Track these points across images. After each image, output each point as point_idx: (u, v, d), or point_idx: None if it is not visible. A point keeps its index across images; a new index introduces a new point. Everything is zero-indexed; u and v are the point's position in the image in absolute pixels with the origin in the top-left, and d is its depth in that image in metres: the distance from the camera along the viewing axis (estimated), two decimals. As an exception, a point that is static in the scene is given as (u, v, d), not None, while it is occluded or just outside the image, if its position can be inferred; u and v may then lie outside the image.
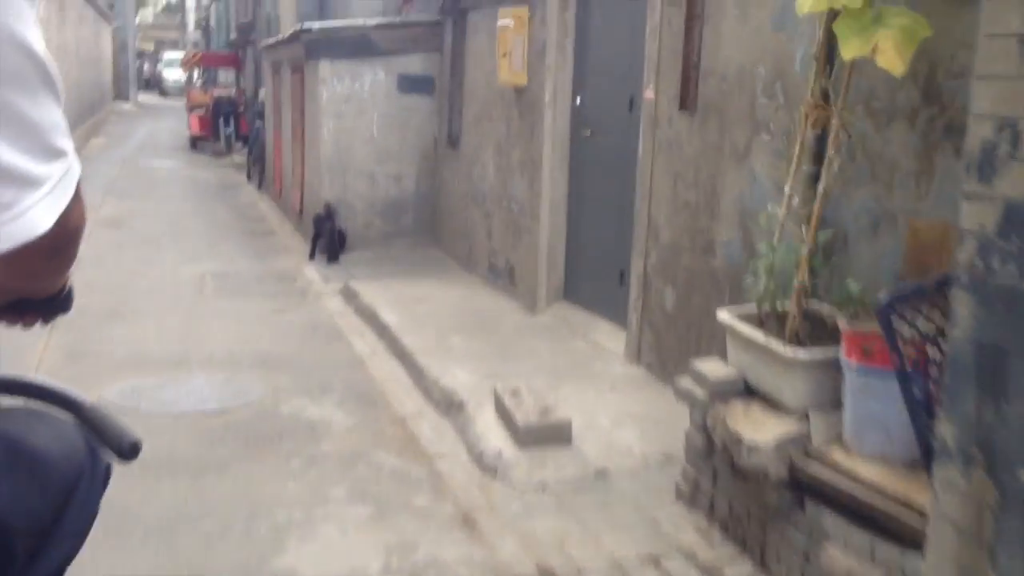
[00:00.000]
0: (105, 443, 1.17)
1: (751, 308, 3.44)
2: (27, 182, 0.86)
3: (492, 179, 7.41)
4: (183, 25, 45.84)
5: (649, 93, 4.92)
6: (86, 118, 19.93)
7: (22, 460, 1.05)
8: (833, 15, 3.05)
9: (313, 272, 8.43)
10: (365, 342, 6.24)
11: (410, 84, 9.09)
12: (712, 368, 3.46)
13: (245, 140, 18.27)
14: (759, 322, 3.33)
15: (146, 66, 45.14)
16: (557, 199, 6.25)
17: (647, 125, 4.97)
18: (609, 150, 5.66)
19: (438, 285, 7.49)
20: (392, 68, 9.03)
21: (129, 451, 1.16)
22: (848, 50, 2.78)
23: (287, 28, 14.67)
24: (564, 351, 5.53)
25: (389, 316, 6.36)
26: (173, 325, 6.58)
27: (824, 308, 3.26)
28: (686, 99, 4.55)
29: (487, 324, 6.25)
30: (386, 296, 6.99)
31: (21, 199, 0.85)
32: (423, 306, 6.70)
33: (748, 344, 3.27)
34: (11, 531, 1.00)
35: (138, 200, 12.65)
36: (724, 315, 3.45)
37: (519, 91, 6.69)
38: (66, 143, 0.91)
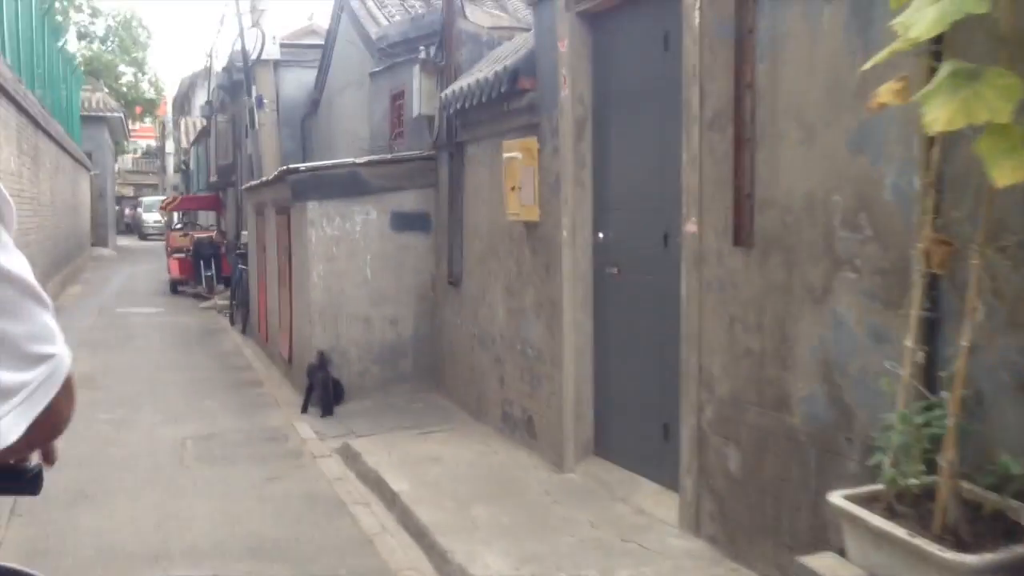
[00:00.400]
0: None
1: (872, 488, 2.78)
2: None
3: (502, 321, 6.81)
4: (162, 169, 46.11)
5: (691, 227, 4.38)
6: (62, 267, 19.38)
7: None
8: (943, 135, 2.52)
9: (307, 428, 7.69)
10: (373, 516, 5.48)
11: (404, 222, 8.60)
12: (829, 567, 2.77)
13: (227, 282, 17.75)
14: (889, 509, 2.67)
15: (126, 211, 45.12)
16: (582, 344, 5.63)
17: (690, 262, 4.41)
18: (641, 290, 5.09)
19: (448, 439, 6.77)
20: (385, 206, 8.55)
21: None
22: (1001, 175, 2.23)
23: (270, 168, 14.32)
24: (606, 520, 4.79)
25: (398, 483, 5.62)
26: (150, 506, 5.79)
27: (975, 491, 2.60)
28: (740, 233, 4.00)
29: (511, 487, 5.52)
30: (391, 457, 6.26)
31: None
32: (435, 468, 5.97)
33: (880, 539, 2.60)
34: None
35: (114, 352, 11.93)
36: (840, 501, 2.78)
37: (531, 227, 6.17)
38: (49, 347, 0.93)
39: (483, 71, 6.92)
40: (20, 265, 0.93)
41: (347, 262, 8.50)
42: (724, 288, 4.18)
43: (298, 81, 15.74)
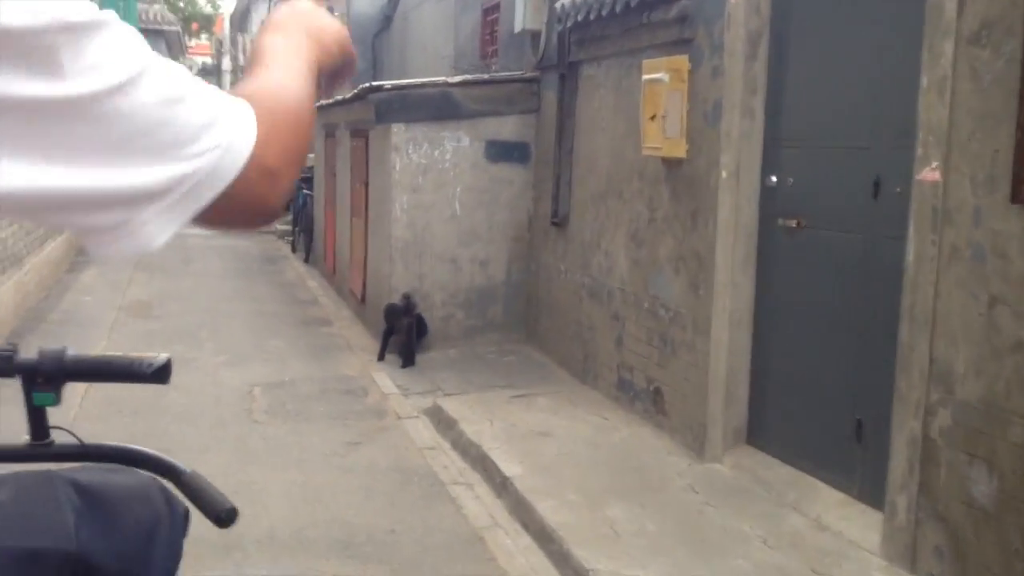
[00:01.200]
0: (202, 509, 1.28)
1: None
2: (140, 199, 0.71)
3: (624, 273, 5.83)
4: (219, 86, 45.23)
5: (932, 174, 3.33)
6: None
7: (100, 506, 1.22)
8: None
9: (387, 380, 6.84)
10: (479, 502, 4.61)
11: (501, 152, 7.60)
12: None
13: (288, 207, 16.98)
14: None
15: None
16: (739, 310, 4.63)
17: (925, 220, 3.37)
18: (835, 249, 4.05)
19: (555, 407, 5.85)
20: (479, 133, 7.55)
21: (226, 517, 1.27)
22: None
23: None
24: (782, 536, 3.85)
25: (508, 465, 4.73)
26: (217, 472, 4.85)
27: None
28: (1021, 186, 2.95)
29: (646, 478, 4.60)
30: (494, 427, 5.37)
31: (132, 218, 0.72)
32: (548, 445, 5.07)
33: None
34: (96, 569, 1.16)
35: (171, 277, 11.19)
36: None
37: (673, 164, 5.14)
38: (208, 137, 0.72)
39: (614, -25, 5.81)
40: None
41: (434, 194, 7.55)
42: (983, 258, 3.15)
43: (368, -5, 14.66)
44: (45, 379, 1.36)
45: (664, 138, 5.06)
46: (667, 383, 5.26)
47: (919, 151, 3.39)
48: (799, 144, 4.30)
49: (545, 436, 5.19)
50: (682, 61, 4.92)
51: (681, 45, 5.00)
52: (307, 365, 7.37)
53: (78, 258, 11.95)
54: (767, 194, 4.49)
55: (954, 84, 3.23)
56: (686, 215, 5.02)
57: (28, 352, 1.39)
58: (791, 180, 4.33)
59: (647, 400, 5.49)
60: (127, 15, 22.72)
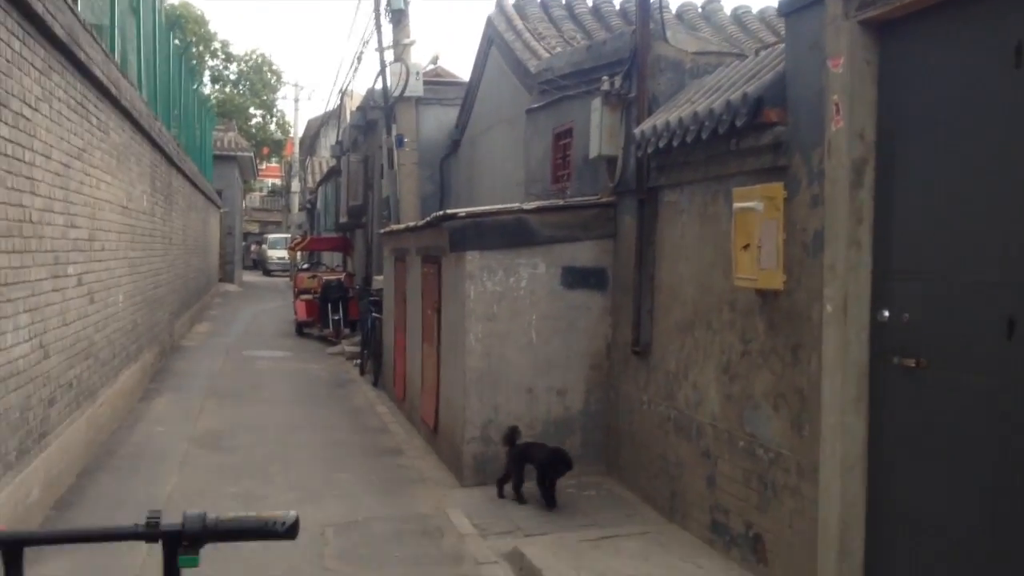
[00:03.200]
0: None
1: None
2: None
3: (715, 407, 5.50)
4: (287, 207, 46.64)
5: (1081, 316, 3.01)
6: (191, 304, 19.06)
7: None
8: None
9: (463, 519, 6.50)
10: (571, 669, 4.23)
11: (577, 278, 7.42)
12: None
13: (354, 326, 16.98)
14: None
15: (252, 247, 45.78)
16: (851, 455, 4.26)
17: (1075, 367, 3.03)
18: (964, 394, 3.70)
19: (645, 552, 5.45)
20: (555, 259, 7.40)
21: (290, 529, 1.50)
22: None
23: (408, 210, 13.46)
24: None
25: (603, 626, 4.34)
26: None
27: None
28: None
29: (754, 644, 4.18)
30: (583, 579, 5.00)
31: None
32: (643, 602, 4.68)
33: None
34: None
35: (242, 404, 11.11)
36: None
37: (769, 296, 4.87)
38: None
39: (698, 102, 5.70)
40: None
41: (509, 322, 7.36)
42: None
43: (437, 120, 14.94)
44: (189, 542, 1.51)
45: (758, 268, 4.81)
46: (769, 529, 4.86)
47: (1063, 290, 3.09)
48: (915, 277, 4.01)
49: (640, 590, 4.80)
50: (777, 189, 4.72)
51: (775, 172, 4.80)
52: (379, 501, 7.09)
53: (151, 385, 11.98)
54: (879, 330, 4.17)
55: (1101, 218, 2.95)
56: (785, 349, 4.72)
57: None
58: (907, 315, 4.02)
59: (746, 547, 5.08)
60: (203, 142, 23.62)
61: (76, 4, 7.26)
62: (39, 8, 5.80)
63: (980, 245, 3.63)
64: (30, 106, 5.95)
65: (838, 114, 4.23)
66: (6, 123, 5.43)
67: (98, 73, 7.87)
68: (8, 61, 5.44)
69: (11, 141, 5.54)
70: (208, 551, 1.62)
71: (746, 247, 4.92)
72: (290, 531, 1.53)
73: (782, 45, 5.19)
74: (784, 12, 4.79)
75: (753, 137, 4.91)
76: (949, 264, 3.80)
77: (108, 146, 8.90)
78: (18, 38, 5.65)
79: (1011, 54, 3.45)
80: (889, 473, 4.16)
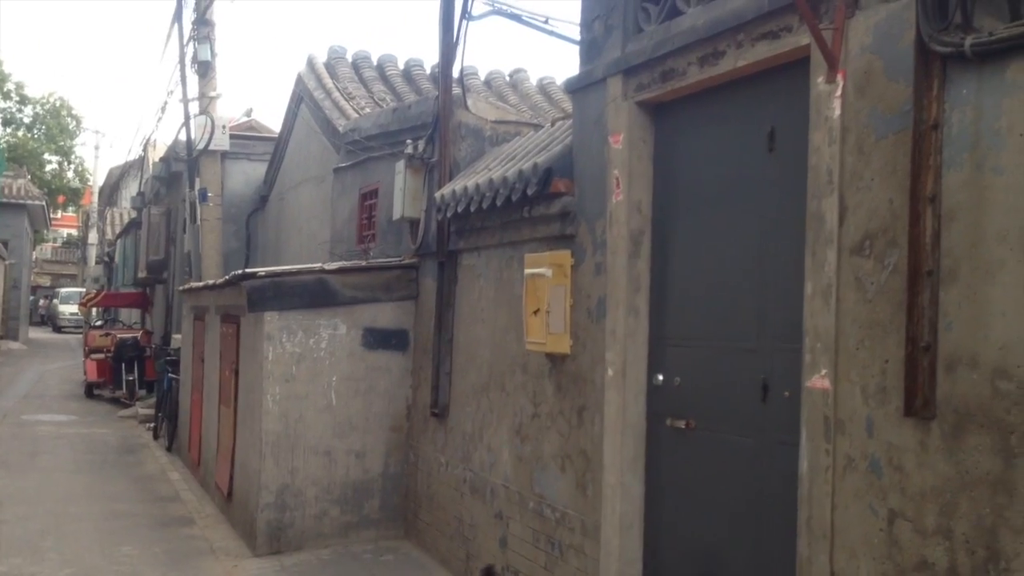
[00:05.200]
0: None
1: None
2: None
3: (508, 469, 5.58)
4: (83, 260, 43.94)
5: (821, 382, 3.29)
6: (-36, 365, 17.46)
7: None
8: None
9: (252, 591, 6.24)
10: None
11: (378, 339, 7.39)
12: None
13: (150, 387, 16.09)
14: None
15: (41, 301, 42.69)
16: (629, 514, 4.43)
17: (816, 428, 3.30)
18: (727, 453, 3.94)
19: (436, 620, 5.42)
20: (356, 320, 7.34)
21: None
22: None
23: (211, 267, 12.99)
24: None
25: None
26: None
27: None
28: (913, 399, 2.92)
29: None
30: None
31: None
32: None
33: None
34: None
35: (15, 475, 10.22)
36: None
37: (557, 360, 5.02)
38: None
39: (494, 170, 5.87)
40: None
41: (309, 384, 7.20)
42: (879, 470, 3.07)
43: (245, 175, 14.57)
44: None
45: (548, 333, 4.96)
46: (557, 590, 4.94)
47: (807, 357, 3.36)
48: (685, 343, 4.26)
49: (428, 658, 4.74)
50: (565, 256, 4.91)
51: (563, 240, 5.00)
52: (163, 574, 6.68)
53: (-93, 452, 10.84)
54: (655, 393, 4.39)
55: (839, 292, 3.25)
56: (571, 412, 4.87)
57: None
58: (678, 380, 4.26)
59: (538, 609, 5.14)
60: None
61: None
62: None
63: (738, 313, 3.91)
64: None
65: (618, 187, 4.48)
66: None
67: None
68: None
69: None
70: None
71: (536, 312, 5.07)
72: None
73: (572, 119, 5.45)
74: (571, 89, 5.05)
75: (544, 206, 5.11)
76: (713, 331, 4.06)
77: None
78: None
79: (765, 139, 3.78)
80: (664, 529, 4.35)
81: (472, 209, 5.85)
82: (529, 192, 5.08)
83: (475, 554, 5.97)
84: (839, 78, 3.24)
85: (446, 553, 6.44)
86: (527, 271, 5.17)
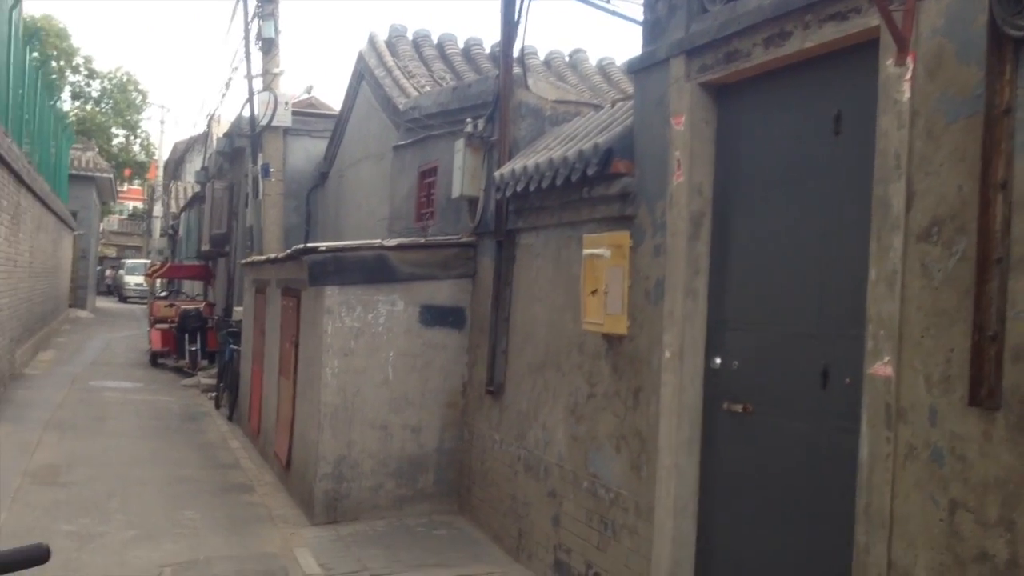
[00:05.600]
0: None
1: None
2: None
3: (562, 448, 5.62)
4: (148, 232, 44.95)
5: (883, 368, 3.26)
6: (35, 331, 18.05)
7: None
8: None
9: (309, 558, 6.38)
10: None
11: (435, 316, 7.46)
12: None
13: (212, 358, 16.46)
14: None
15: (107, 271, 43.82)
16: (683, 496, 4.44)
17: (878, 416, 3.27)
18: (785, 438, 3.93)
19: (489, 593, 5.50)
20: (414, 297, 7.42)
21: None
22: None
23: (272, 242, 13.23)
24: None
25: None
26: None
27: None
28: (978, 388, 2.88)
29: None
30: (425, 619, 4.98)
31: None
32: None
33: None
34: None
35: (84, 438, 10.58)
36: None
37: (614, 341, 5.04)
38: None
39: (554, 149, 5.88)
40: None
41: (366, 358, 7.32)
42: (941, 460, 3.04)
43: (306, 151, 14.77)
44: None
45: (605, 314, 4.98)
46: (607, 569, 4.98)
47: (869, 343, 3.33)
48: (744, 327, 4.24)
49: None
50: (624, 237, 4.90)
51: (623, 221, 4.99)
52: (224, 540, 6.87)
53: (-17, 416, 11.27)
54: (712, 376, 4.39)
55: (904, 279, 3.21)
56: (627, 393, 4.88)
57: None
58: (736, 363, 4.24)
59: (588, 586, 5.18)
60: (59, 161, 22.57)
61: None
62: None
63: (800, 298, 3.87)
64: None
65: (679, 169, 4.46)
66: None
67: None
68: None
69: None
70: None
71: (594, 292, 5.08)
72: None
73: (633, 100, 5.43)
74: (632, 70, 5.02)
75: (603, 186, 5.10)
76: (773, 315, 4.04)
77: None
78: None
79: (831, 122, 3.73)
80: (718, 513, 4.35)
81: (531, 188, 5.87)
82: (589, 172, 5.08)
83: (527, 531, 6.03)
84: (909, 61, 3.18)
85: (499, 530, 6.51)
86: (585, 251, 5.18)
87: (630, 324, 4.85)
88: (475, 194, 7.28)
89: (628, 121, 5.04)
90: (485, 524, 6.77)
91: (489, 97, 7.27)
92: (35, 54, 17.20)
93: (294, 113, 14.06)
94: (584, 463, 5.33)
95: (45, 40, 30.27)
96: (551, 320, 5.89)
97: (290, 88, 17.18)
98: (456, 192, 7.41)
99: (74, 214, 26.05)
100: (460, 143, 7.33)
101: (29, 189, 15.02)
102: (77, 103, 40.47)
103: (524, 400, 6.22)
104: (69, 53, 39.09)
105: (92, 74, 41.22)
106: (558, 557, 5.57)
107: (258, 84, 13.92)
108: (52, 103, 21.24)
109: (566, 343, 5.64)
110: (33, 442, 10.05)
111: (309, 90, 18.52)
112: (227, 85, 19.72)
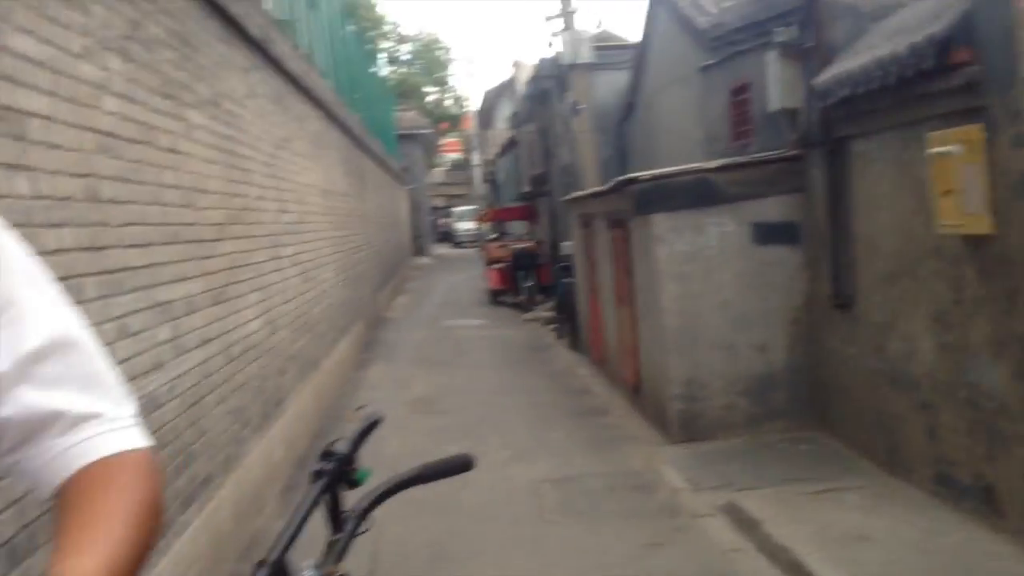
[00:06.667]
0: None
1: None
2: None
3: (929, 359, 5.45)
4: (470, 180, 47.87)
5: None
6: (390, 278, 20.16)
7: None
8: None
9: (674, 474, 6.74)
10: (797, 615, 4.41)
11: (768, 233, 7.43)
12: None
13: (545, 292, 17.47)
14: None
15: (439, 220, 47.40)
16: (1076, 399, 4.19)
17: None
18: None
19: (868, 505, 5.49)
20: (742, 216, 7.43)
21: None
22: None
23: (589, 177, 13.69)
24: None
25: (831, 574, 4.48)
26: (520, 574, 5.13)
27: None
28: None
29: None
30: (802, 529, 5.13)
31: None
32: (871, 551, 4.75)
33: None
34: None
35: (448, 371, 11.82)
36: None
37: (977, 242, 4.78)
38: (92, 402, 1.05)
39: (879, 47, 5.60)
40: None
41: (702, 282, 7.47)
42: None
43: (609, 85, 15.01)
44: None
45: (963, 214, 4.73)
46: (1002, 480, 4.80)
47: None
48: None
49: (865, 540, 4.88)
50: (975, 131, 4.61)
51: (970, 114, 4.69)
52: (590, 458, 7.44)
53: (363, 356, 12.91)
54: (1098, 270, 4.06)
55: None
56: (1002, 296, 4.63)
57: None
58: None
59: (977, 499, 5.03)
60: (387, 123, 24.70)
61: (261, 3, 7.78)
62: (236, 11, 6.33)
63: None
64: (238, 103, 6.57)
65: (1036, 50, 4.11)
66: (223, 121, 6.05)
67: (291, 67, 8.53)
68: (216, 63, 6.01)
69: (228, 138, 6.16)
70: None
71: (947, 192, 4.84)
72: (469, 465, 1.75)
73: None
74: (972, -54, 4.65)
75: (943, 80, 4.81)
76: None
77: (306, 135, 9.62)
78: (223, 41, 6.23)
79: None
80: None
81: (859, 92, 5.65)
82: (924, 67, 4.81)
83: (898, 445, 5.91)
84: None
85: (866, 444, 6.41)
86: (931, 151, 4.93)
87: (995, 223, 4.58)
88: (794, 105, 7.10)
89: (962, 7, 4.69)
90: (850, 439, 6.71)
91: (797, 3, 7.02)
92: (353, 27, 18.83)
93: (597, 47, 14.32)
94: (958, 373, 5.13)
95: (357, 13, 32.95)
96: (899, 227, 5.68)
97: (583, 25, 17.38)
98: (774, 105, 7.27)
99: (405, 170, 28.45)
100: (773, 54, 7.15)
101: (367, 152, 16.66)
102: (392, 68, 43.77)
103: (877, 312, 6.08)
104: (378, 22, 42.23)
105: (401, 39, 44.29)
106: (940, 470, 5.42)
107: (555, 26, 14.33)
108: (373, 70, 23.18)
109: (919, 249, 5.43)
110: (406, 376, 11.40)
111: (599, 25, 18.67)
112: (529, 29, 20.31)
